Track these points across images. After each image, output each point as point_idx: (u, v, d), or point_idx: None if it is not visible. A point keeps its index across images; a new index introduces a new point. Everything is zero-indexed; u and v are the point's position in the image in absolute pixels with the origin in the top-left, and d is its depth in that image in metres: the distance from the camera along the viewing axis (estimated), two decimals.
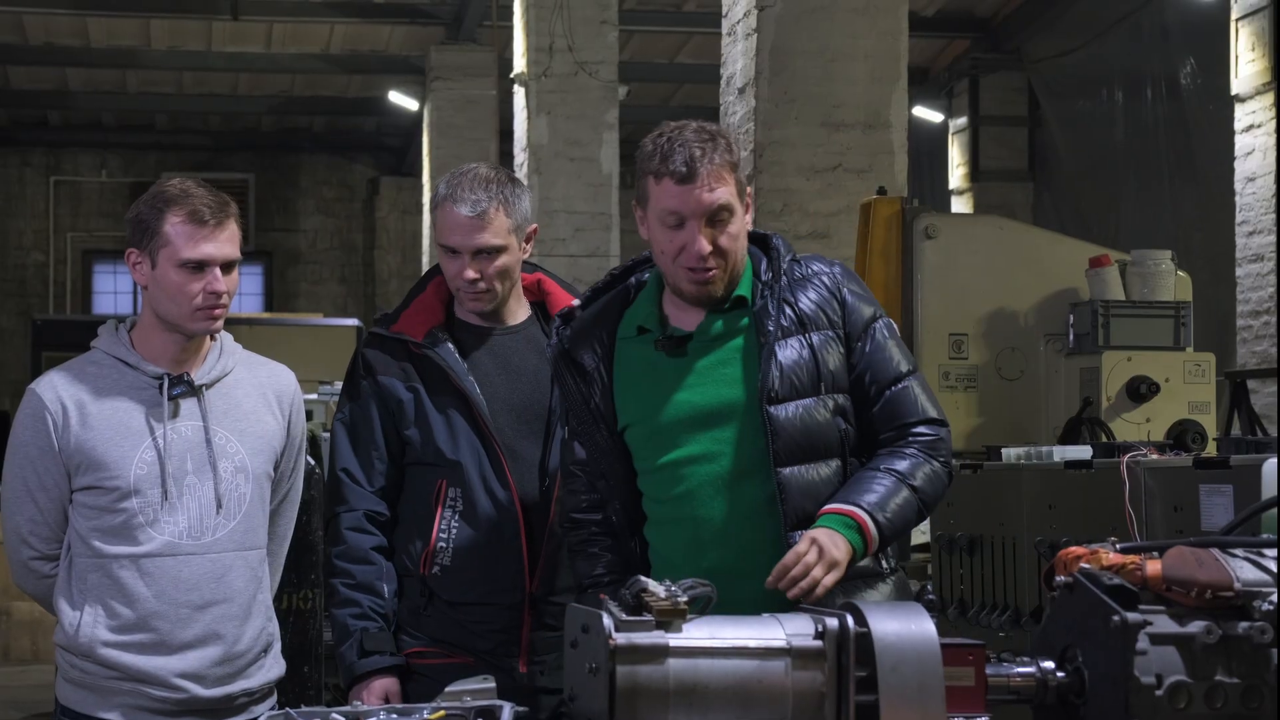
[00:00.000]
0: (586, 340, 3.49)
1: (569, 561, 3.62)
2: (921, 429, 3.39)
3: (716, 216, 3.31)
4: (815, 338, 3.37)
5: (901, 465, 3.33)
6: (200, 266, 3.48)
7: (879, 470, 3.32)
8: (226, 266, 3.51)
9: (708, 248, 3.30)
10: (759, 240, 3.48)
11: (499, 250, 3.75)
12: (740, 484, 3.35)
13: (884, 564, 3.41)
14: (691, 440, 3.37)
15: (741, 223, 3.37)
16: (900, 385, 3.40)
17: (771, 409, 3.32)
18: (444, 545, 3.75)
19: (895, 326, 3.51)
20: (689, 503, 3.36)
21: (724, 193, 3.31)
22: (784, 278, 3.41)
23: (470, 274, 3.75)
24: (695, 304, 3.40)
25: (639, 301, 3.49)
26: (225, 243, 3.50)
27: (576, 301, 3.59)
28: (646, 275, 3.52)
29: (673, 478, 3.38)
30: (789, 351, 3.35)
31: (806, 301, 3.40)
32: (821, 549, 3.14)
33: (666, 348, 3.41)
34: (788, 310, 3.38)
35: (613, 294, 3.53)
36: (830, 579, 3.13)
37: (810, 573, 3.11)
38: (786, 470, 3.31)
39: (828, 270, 3.46)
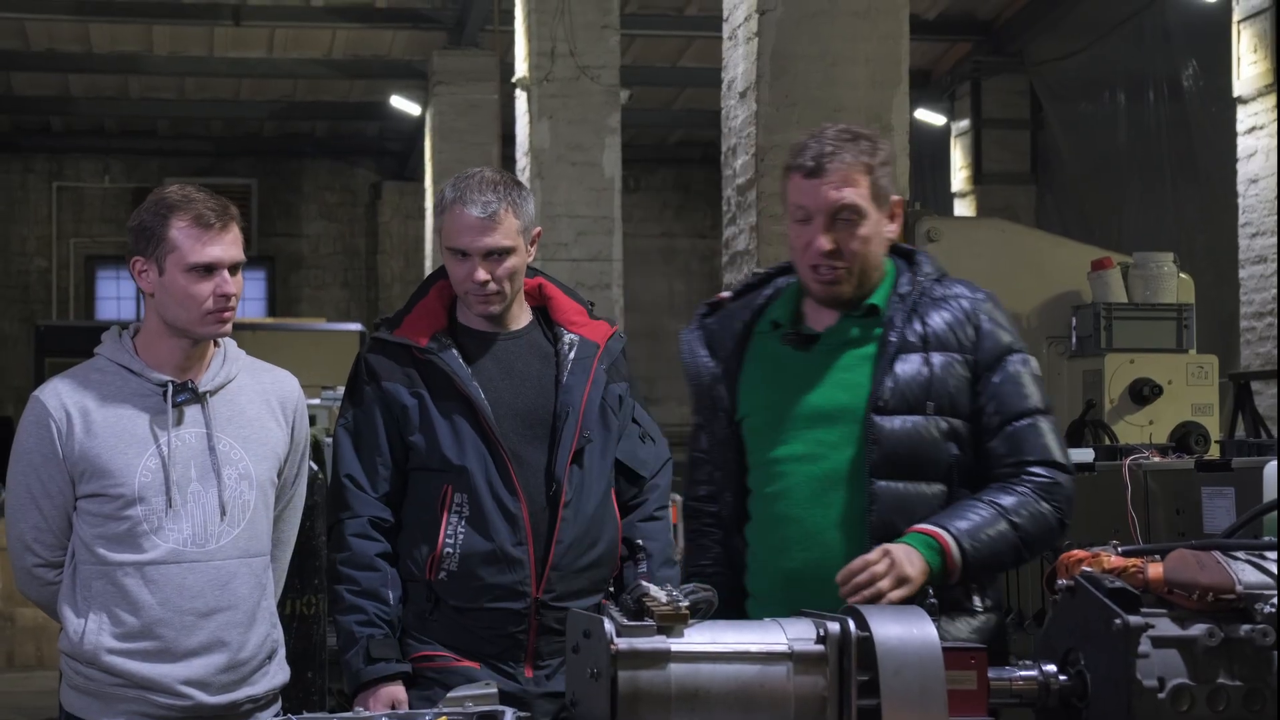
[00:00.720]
0: (722, 331, 3.51)
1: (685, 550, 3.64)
2: (1039, 470, 3.27)
3: (840, 215, 3.28)
4: (938, 358, 3.31)
5: (1007, 500, 3.22)
6: (209, 269, 3.48)
7: (981, 500, 3.23)
8: (232, 269, 3.52)
9: (827, 246, 3.28)
10: (905, 255, 3.45)
11: (509, 251, 3.75)
12: (835, 489, 3.31)
13: (976, 601, 3.31)
14: (797, 439, 3.35)
15: (875, 228, 3.32)
16: (1025, 421, 3.30)
17: (878, 418, 3.26)
18: (450, 551, 3.74)
19: (1035, 363, 3.41)
20: (782, 501, 3.34)
21: (851, 193, 3.27)
22: (921, 294, 3.36)
23: (481, 275, 3.74)
24: (823, 304, 3.39)
25: (781, 299, 3.49)
26: (230, 245, 3.51)
27: (728, 293, 3.60)
28: (795, 279, 3.49)
29: (771, 474, 3.37)
30: (908, 366, 3.30)
31: (938, 320, 3.34)
32: (894, 561, 3.07)
33: (793, 341, 3.40)
34: (916, 325, 3.32)
35: (758, 291, 3.54)
36: (898, 594, 3.03)
37: (876, 582, 3.04)
38: (881, 483, 3.26)
39: (969, 295, 3.39)
